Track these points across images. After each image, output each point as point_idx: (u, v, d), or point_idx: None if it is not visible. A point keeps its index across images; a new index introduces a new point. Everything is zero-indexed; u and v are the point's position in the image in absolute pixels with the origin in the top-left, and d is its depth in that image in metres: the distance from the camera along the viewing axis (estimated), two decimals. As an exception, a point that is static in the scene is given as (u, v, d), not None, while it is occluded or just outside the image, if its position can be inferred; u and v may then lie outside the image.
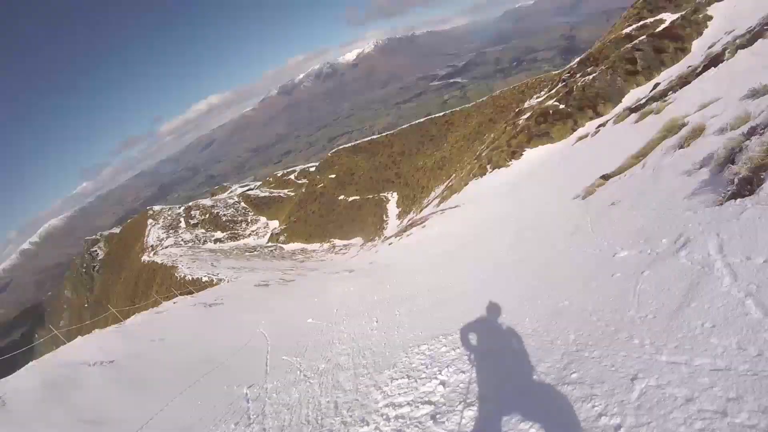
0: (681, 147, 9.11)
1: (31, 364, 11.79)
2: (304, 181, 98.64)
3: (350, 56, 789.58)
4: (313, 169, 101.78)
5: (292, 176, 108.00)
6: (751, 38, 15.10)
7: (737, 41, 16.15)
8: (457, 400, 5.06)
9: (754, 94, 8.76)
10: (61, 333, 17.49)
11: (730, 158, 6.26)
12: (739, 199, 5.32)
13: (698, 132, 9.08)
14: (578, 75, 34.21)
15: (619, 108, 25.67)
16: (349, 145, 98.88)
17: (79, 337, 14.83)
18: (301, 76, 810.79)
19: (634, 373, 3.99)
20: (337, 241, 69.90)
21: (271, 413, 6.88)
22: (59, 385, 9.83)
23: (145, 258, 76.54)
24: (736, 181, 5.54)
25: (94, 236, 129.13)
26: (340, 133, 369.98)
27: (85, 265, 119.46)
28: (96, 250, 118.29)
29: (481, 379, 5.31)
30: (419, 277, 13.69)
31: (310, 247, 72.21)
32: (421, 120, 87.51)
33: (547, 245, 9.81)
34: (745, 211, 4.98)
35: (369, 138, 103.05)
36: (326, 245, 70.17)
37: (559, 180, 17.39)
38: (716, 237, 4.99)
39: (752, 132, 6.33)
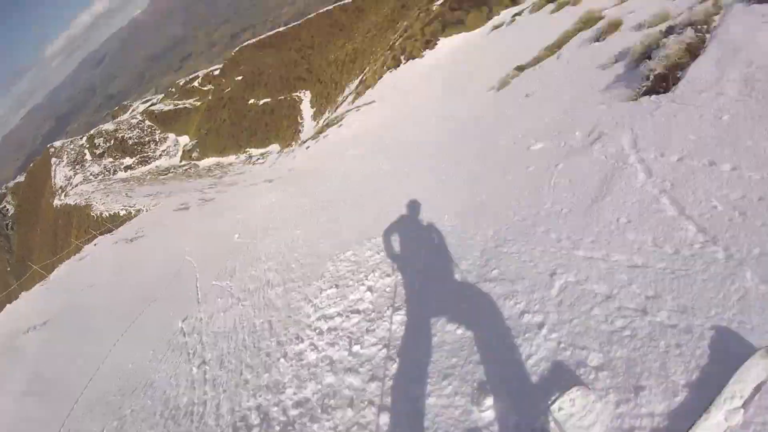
0: (597, 40, 9.22)
1: (-33, 348, 11.15)
2: (210, 87, 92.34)
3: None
4: (217, 72, 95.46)
5: (195, 83, 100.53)
6: None
7: None
8: (384, 305, 5.08)
9: None
10: (-12, 307, 16.62)
11: (647, 54, 6.31)
12: (654, 96, 5.38)
13: (615, 26, 9.17)
14: None
15: (538, -3, 25.09)
16: (254, 40, 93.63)
17: (8, 305, 14.17)
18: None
19: (553, 268, 4.01)
20: (253, 151, 67.54)
21: (209, 344, 6.77)
22: (-1, 363, 9.37)
23: (56, 202, 72.25)
24: (651, 77, 5.60)
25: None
26: (243, 29, 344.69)
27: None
28: (5, 206, 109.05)
29: (405, 282, 5.33)
30: (338, 181, 13.55)
31: (225, 160, 69.74)
32: (329, 7, 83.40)
33: (463, 138, 9.90)
34: (660, 108, 5.05)
35: (275, 31, 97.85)
36: (242, 156, 67.82)
37: (474, 71, 17.27)
38: (630, 132, 5.04)
39: (670, 30, 6.35)
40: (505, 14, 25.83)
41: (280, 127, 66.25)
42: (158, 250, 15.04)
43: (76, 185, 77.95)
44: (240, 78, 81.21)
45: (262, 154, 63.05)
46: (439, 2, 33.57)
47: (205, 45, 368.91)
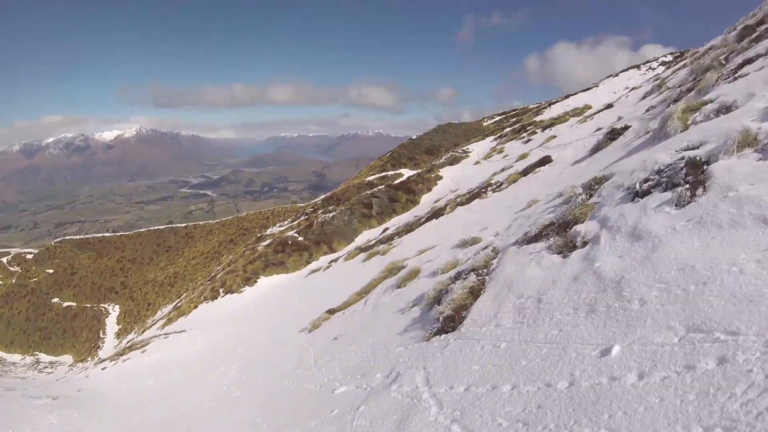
0: (398, 287, 10.09)
1: None
2: (17, 269, 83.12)
3: (108, 135, 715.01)
4: (30, 256, 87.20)
5: (4, 259, 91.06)
6: (469, 198, 17.63)
7: (458, 199, 18.76)
8: None
9: (463, 243, 10.21)
10: None
11: (438, 299, 6.94)
12: (443, 335, 5.83)
13: (414, 274, 10.17)
14: (320, 211, 36.78)
15: (351, 246, 27.80)
16: (78, 237, 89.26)
17: None
18: (50, 140, 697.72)
19: None
20: (43, 356, 58.92)
21: None
22: None
23: None
24: (441, 319, 6.11)
25: None
26: (72, 221, 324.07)
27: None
28: None
29: None
30: (130, 416, 12.06)
31: (10, 357, 59.65)
32: (161, 227, 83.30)
33: (272, 379, 9.76)
34: (448, 346, 5.43)
35: (101, 234, 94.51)
36: (30, 359, 59.09)
37: (289, 311, 17.57)
38: (423, 370, 5.28)
39: (457, 276, 7.15)
40: (323, 260, 27.73)
41: (78, 338, 59.61)
42: None
43: None
44: (51, 271, 74.59)
45: (52, 363, 55.04)
46: (264, 243, 35.16)
47: (29, 223, 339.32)
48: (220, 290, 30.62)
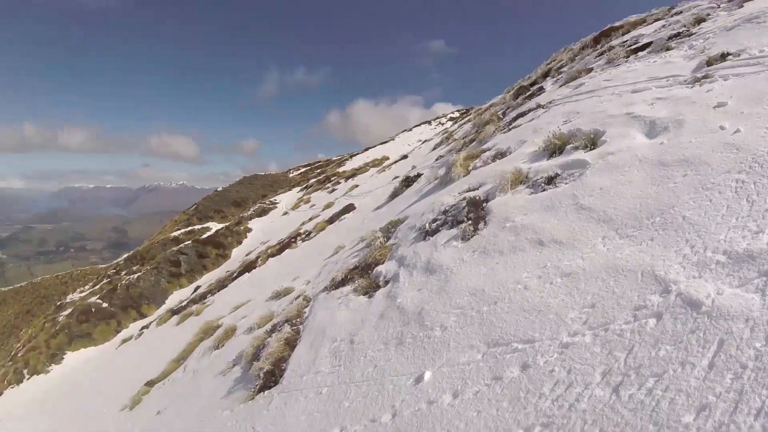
0: (216, 348, 9.72)
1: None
2: None
3: None
4: None
5: None
6: (280, 248, 17.71)
7: (269, 250, 18.75)
8: None
9: (277, 295, 10.19)
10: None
11: (257, 355, 6.91)
12: (266, 391, 5.80)
13: (231, 333, 9.91)
14: (124, 272, 34.11)
15: (162, 309, 26.27)
16: None
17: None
18: None
19: None
20: None
21: None
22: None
23: None
24: (261, 375, 6.08)
25: None
26: None
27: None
28: None
29: None
30: None
31: None
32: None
33: None
34: (273, 401, 5.40)
35: None
36: None
37: (105, 388, 15.88)
38: (252, 430, 5.18)
39: (273, 329, 7.22)
40: (134, 327, 25.96)
41: None
42: None
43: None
44: None
45: None
46: (65, 313, 31.77)
47: None
48: (24, 371, 26.94)
